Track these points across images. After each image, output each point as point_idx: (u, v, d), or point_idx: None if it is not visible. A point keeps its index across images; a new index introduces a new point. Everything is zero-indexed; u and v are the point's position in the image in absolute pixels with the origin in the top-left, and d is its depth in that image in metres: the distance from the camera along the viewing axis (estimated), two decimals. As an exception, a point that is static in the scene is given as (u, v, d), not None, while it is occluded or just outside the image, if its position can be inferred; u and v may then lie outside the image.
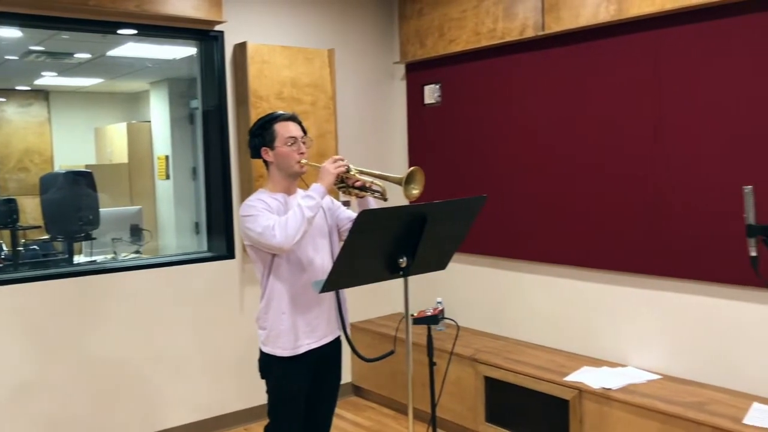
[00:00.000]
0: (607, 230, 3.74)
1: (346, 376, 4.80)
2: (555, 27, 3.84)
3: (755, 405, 3.09)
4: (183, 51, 5.47)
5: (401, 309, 4.87)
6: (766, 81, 3.09)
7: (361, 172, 2.70)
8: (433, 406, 3.02)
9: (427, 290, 4.82)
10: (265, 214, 2.58)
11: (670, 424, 3.07)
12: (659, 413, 3.11)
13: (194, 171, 5.14)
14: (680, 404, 3.13)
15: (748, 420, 2.93)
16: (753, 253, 2.14)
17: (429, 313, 3.30)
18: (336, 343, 2.88)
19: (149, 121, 7.23)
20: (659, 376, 3.52)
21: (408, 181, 2.56)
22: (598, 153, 3.76)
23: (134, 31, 4.09)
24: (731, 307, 3.30)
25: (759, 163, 3.13)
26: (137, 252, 4.98)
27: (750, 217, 2.15)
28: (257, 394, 2.93)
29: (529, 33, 3.98)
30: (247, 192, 4.19)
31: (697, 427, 2.97)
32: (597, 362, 3.79)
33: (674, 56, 3.40)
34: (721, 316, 3.34)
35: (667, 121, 3.45)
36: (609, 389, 3.35)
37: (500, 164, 4.30)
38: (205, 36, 4.29)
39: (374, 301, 4.99)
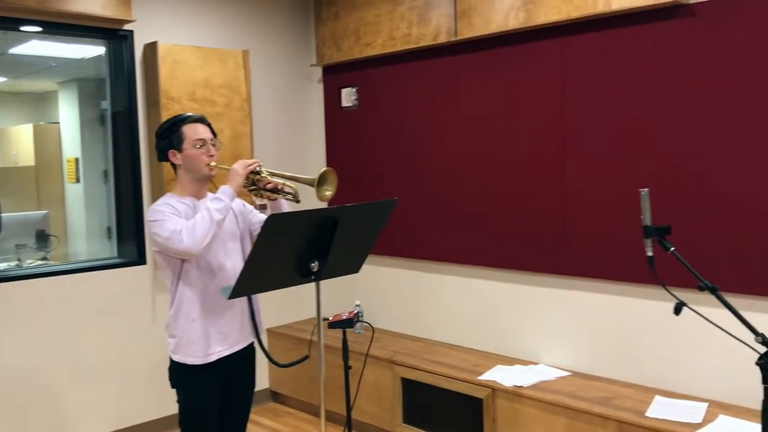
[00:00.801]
0: (518, 232, 3.83)
1: (264, 382, 4.75)
2: (467, 33, 3.90)
3: (657, 398, 3.22)
4: (92, 50, 5.27)
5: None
6: (665, 86, 3.23)
7: (273, 174, 2.66)
8: (348, 409, 3.02)
9: (347, 293, 4.81)
10: (173, 218, 2.52)
11: (577, 419, 3.17)
12: (567, 409, 3.20)
13: (105, 174, 4.97)
14: (587, 400, 3.24)
15: (650, 413, 3.05)
16: (649, 253, 2.23)
17: (344, 317, 3.28)
18: (250, 350, 2.84)
19: (58, 123, 6.94)
20: (569, 373, 3.63)
21: (320, 182, 2.54)
22: (508, 156, 3.85)
23: (38, 29, 3.92)
24: (634, 304, 3.44)
25: (657, 166, 3.27)
26: (44, 258, 4.77)
27: (646, 218, 2.23)
28: (171, 403, 2.85)
29: (443, 38, 4.03)
30: (158, 196, 4.06)
31: (603, 422, 3.08)
32: (510, 361, 3.87)
33: (579, 62, 3.52)
34: (625, 313, 3.48)
35: (572, 125, 3.56)
36: (520, 387, 3.43)
37: (416, 167, 4.34)
38: (114, 35, 4.16)
39: (292, 305, 4.95)
